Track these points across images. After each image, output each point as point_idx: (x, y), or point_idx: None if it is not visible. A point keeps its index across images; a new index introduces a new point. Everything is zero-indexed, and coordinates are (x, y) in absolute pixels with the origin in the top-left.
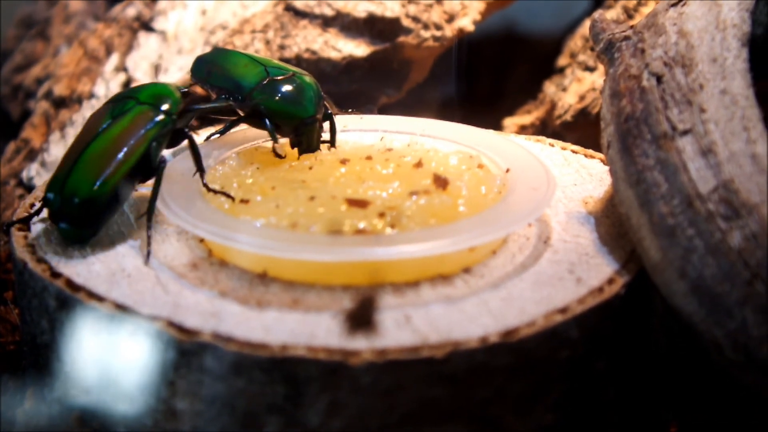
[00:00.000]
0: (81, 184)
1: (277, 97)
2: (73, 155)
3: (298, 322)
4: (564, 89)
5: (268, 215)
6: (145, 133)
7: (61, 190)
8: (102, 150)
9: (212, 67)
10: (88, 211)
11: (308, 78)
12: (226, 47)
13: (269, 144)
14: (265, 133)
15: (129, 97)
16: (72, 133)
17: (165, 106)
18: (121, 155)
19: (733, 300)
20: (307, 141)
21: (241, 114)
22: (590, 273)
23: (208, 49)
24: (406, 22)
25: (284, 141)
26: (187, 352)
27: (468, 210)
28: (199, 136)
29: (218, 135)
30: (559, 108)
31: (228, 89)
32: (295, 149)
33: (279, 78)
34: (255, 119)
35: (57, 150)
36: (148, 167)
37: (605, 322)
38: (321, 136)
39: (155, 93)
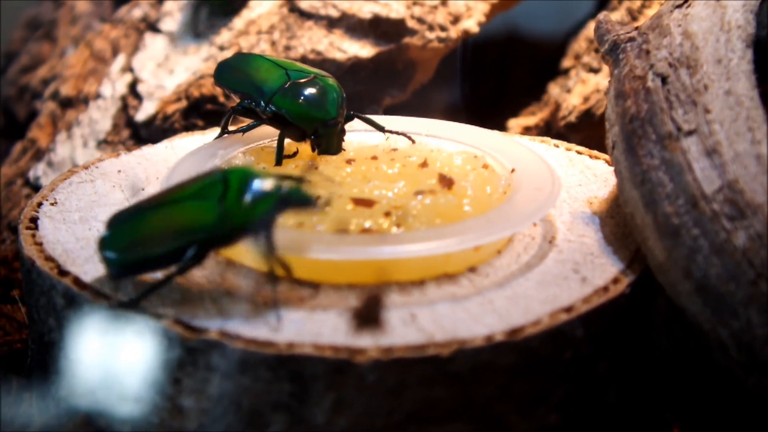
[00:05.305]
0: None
1: (297, 101)
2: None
3: (305, 320)
4: (568, 90)
5: None
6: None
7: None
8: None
9: (235, 72)
10: None
11: (330, 80)
12: (252, 52)
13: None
14: (273, 132)
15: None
16: (78, 133)
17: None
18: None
19: (737, 300)
20: (326, 143)
21: (264, 118)
22: (595, 272)
23: (213, 50)
24: (411, 24)
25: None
26: (193, 350)
27: (473, 210)
28: (205, 136)
29: (240, 133)
30: (563, 109)
31: (250, 94)
32: (303, 149)
33: (300, 81)
34: (277, 123)
35: (63, 150)
36: None
37: (610, 322)
38: (343, 139)
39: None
